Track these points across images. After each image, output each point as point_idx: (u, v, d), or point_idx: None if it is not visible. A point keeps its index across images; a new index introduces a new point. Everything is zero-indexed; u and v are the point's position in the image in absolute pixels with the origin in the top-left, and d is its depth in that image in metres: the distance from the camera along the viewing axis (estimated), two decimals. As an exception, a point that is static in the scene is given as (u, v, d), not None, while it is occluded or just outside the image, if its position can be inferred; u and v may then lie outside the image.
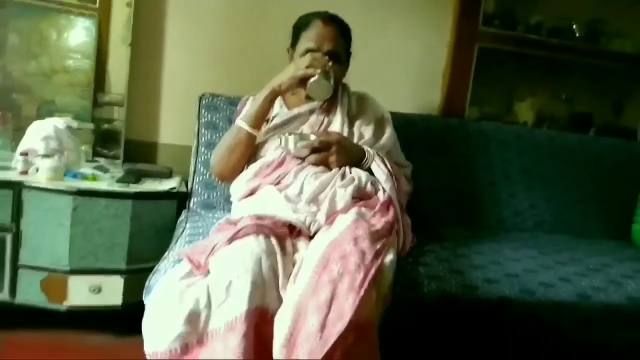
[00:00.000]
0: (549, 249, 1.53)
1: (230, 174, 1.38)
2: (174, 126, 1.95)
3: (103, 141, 1.89)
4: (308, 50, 1.36)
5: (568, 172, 1.89)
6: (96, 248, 1.49)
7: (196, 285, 0.95)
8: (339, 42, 1.40)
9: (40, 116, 1.76)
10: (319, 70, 1.28)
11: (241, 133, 1.33)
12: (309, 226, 1.10)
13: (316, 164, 1.27)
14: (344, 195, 1.17)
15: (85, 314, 1.51)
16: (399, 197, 1.32)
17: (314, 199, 1.17)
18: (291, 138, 1.28)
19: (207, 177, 1.62)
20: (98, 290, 1.50)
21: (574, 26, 2.19)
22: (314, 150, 1.28)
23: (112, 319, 1.51)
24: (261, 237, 1.00)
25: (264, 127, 1.40)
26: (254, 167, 1.32)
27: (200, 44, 1.93)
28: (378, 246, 0.99)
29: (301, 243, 1.06)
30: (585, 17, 2.18)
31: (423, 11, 2.06)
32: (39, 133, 1.66)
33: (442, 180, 1.79)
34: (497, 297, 1.18)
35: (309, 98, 1.41)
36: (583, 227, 1.83)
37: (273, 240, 1.01)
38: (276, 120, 1.40)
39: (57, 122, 1.69)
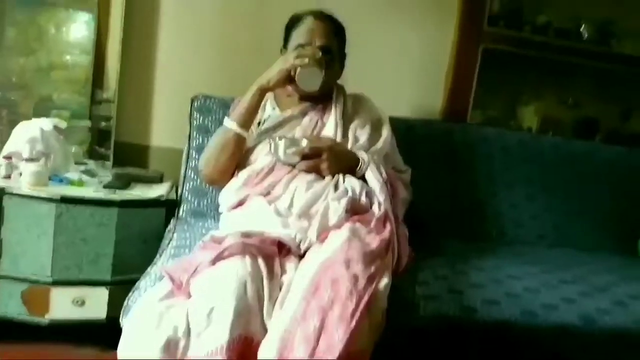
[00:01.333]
0: (551, 264, 1.46)
1: (219, 177, 1.32)
2: (167, 128, 1.88)
3: (101, 139, 1.83)
4: (299, 46, 1.30)
5: (572, 182, 1.83)
6: (80, 258, 1.43)
7: (175, 309, 0.89)
8: (331, 38, 1.33)
9: (37, 114, 1.70)
10: (306, 60, 1.22)
11: (229, 133, 1.27)
12: (299, 244, 1.04)
13: (307, 171, 1.21)
14: (337, 209, 1.11)
15: (68, 327, 1.45)
16: (395, 207, 1.25)
17: (305, 213, 1.11)
18: (281, 143, 1.22)
19: (198, 183, 1.56)
20: (81, 302, 1.44)
21: (583, 27, 2.10)
22: (305, 157, 1.21)
23: (96, 333, 1.45)
24: (247, 258, 0.93)
25: (255, 130, 1.33)
26: (242, 175, 1.26)
27: (196, 41, 1.85)
28: (372, 269, 0.92)
29: (290, 264, 0.99)
30: (596, 17, 2.09)
31: (425, 9, 1.97)
32: (24, 135, 1.60)
33: (442, 188, 1.73)
34: (497, 320, 1.12)
35: (302, 100, 1.35)
36: (586, 241, 1.75)
37: (260, 262, 0.94)
38: (267, 124, 1.34)
39: (43, 124, 1.63)
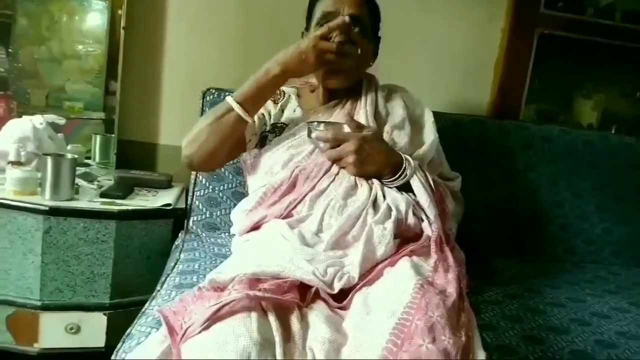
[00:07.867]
0: (636, 292, 1.20)
1: (202, 162, 1.08)
2: (177, 124, 1.67)
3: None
4: (325, 15, 1.05)
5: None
6: (73, 279, 1.23)
7: None
8: (362, 7, 1.07)
9: (49, 104, 1.63)
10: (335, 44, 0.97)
11: (229, 115, 1.00)
12: (332, 282, 0.78)
13: (330, 159, 0.98)
14: (383, 235, 0.85)
15: (60, 358, 1.26)
16: (447, 226, 1.01)
17: (339, 242, 0.86)
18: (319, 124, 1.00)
19: (210, 190, 1.34)
20: (76, 329, 1.24)
21: (654, 9, 1.83)
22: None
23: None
24: (254, 316, 0.66)
25: (273, 138, 1.09)
26: (257, 192, 1.01)
27: (208, 28, 1.63)
28: (463, 338, 0.66)
29: (316, 316, 0.72)
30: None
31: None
32: (14, 134, 1.41)
33: (495, 198, 1.46)
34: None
35: (329, 95, 1.13)
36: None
37: (272, 319, 0.67)
38: (290, 128, 1.09)
39: (36, 121, 1.44)
